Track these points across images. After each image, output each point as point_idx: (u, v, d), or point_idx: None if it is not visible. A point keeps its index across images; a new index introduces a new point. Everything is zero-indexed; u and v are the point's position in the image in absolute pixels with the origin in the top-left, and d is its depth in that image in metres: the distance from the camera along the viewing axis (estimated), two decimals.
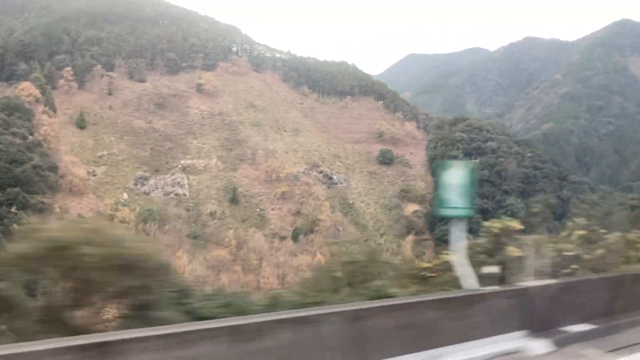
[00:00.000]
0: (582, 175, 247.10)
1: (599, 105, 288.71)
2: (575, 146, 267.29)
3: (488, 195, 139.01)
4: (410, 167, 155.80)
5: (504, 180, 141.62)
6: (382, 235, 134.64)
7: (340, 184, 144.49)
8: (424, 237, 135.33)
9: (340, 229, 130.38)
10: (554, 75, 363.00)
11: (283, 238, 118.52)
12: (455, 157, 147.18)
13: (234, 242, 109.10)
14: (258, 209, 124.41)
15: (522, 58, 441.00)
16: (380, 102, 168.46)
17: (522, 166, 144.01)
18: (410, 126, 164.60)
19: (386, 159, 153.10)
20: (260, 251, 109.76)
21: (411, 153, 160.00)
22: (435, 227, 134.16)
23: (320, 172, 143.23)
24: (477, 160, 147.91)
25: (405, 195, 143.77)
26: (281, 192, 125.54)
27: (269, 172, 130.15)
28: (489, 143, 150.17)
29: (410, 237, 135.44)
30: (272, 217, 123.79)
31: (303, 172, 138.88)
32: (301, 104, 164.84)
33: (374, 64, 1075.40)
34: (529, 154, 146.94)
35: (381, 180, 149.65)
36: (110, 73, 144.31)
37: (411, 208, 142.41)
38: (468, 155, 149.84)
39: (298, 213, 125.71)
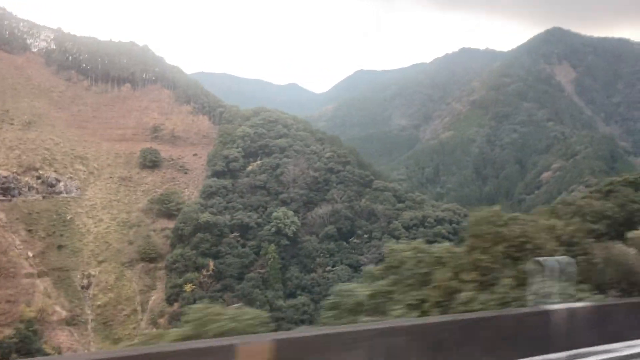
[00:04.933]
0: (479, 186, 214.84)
1: (505, 113, 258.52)
2: (475, 156, 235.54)
3: (258, 207, 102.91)
4: (187, 172, 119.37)
5: (284, 187, 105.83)
6: (100, 263, 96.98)
7: (68, 193, 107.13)
8: (159, 264, 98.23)
9: (30, 254, 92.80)
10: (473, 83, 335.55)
11: None
12: (226, 157, 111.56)
13: None
14: None
15: (455, 69, 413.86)
16: (169, 91, 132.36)
17: (313, 169, 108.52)
18: (203, 121, 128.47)
19: (148, 162, 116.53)
20: None
21: (195, 154, 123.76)
22: (175, 249, 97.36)
23: (38, 177, 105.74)
24: (258, 162, 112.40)
25: (158, 208, 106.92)
26: None
27: None
28: (279, 140, 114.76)
29: (141, 266, 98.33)
30: None
31: (4, 177, 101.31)
32: (60, 92, 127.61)
33: (325, 79, 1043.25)
34: (328, 154, 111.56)
35: (135, 188, 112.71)
36: None
37: (161, 225, 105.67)
38: (250, 155, 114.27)
39: None
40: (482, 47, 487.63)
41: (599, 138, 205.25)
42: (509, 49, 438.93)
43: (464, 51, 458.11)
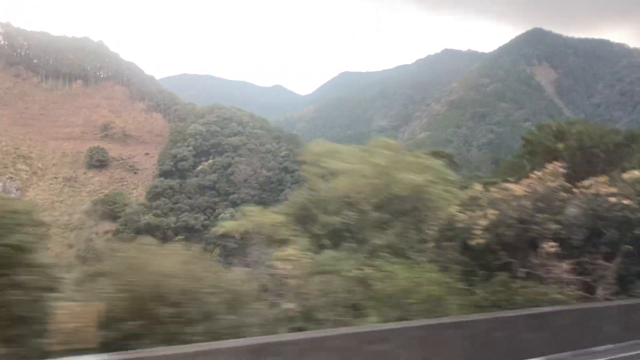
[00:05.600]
0: None
1: (483, 113, 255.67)
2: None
3: (206, 208, 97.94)
4: (136, 172, 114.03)
5: (235, 188, 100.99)
6: None
7: (6, 194, 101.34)
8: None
9: None
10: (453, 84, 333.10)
11: None
12: (175, 156, 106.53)
13: None
14: None
15: (438, 70, 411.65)
16: (123, 87, 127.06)
17: (266, 168, 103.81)
18: (157, 119, 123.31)
19: (96, 161, 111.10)
20: None
21: (147, 153, 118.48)
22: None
23: None
24: (209, 161, 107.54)
25: (103, 210, 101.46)
26: None
27: None
28: (232, 138, 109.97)
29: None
30: None
31: None
32: (7, 88, 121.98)
33: (310, 81, 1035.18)
34: (284, 153, 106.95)
35: (80, 189, 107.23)
36: None
37: (105, 227, 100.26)
38: (202, 154, 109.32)
39: None
40: (464, 48, 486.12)
41: None
42: (491, 50, 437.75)
43: (447, 52, 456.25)
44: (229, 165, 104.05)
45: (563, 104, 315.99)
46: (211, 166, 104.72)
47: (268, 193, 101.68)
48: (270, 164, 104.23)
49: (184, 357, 4.82)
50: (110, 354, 4.73)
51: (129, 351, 4.89)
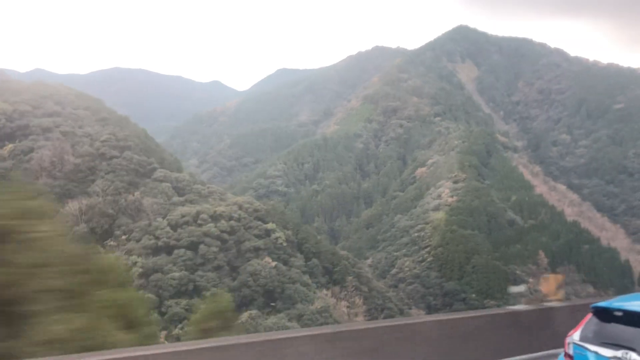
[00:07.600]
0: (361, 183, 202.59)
1: (394, 107, 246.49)
2: (359, 152, 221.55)
3: None
4: None
5: (34, 177, 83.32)
6: None
7: None
8: None
9: None
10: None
11: None
12: None
13: None
14: None
15: (367, 67, 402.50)
16: None
17: (76, 154, 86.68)
18: None
19: None
20: None
21: None
22: None
23: None
24: (10, 146, 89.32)
25: None
26: None
27: None
28: (42, 119, 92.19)
29: None
30: None
31: None
32: None
33: (249, 78, 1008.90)
34: (104, 137, 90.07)
35: None
36: None
37: None
38: (6, 137, 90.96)
39: None
40: (394, 45, 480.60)
41: (476, 132, 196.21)
42: (417, 47, 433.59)
43: (377, 49, 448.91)
44: (31, 150, 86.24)
45: (483, 101, 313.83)
46: (10, 152, 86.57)
47: (75, 184, 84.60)
48: (83, 149, 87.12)
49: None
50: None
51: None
